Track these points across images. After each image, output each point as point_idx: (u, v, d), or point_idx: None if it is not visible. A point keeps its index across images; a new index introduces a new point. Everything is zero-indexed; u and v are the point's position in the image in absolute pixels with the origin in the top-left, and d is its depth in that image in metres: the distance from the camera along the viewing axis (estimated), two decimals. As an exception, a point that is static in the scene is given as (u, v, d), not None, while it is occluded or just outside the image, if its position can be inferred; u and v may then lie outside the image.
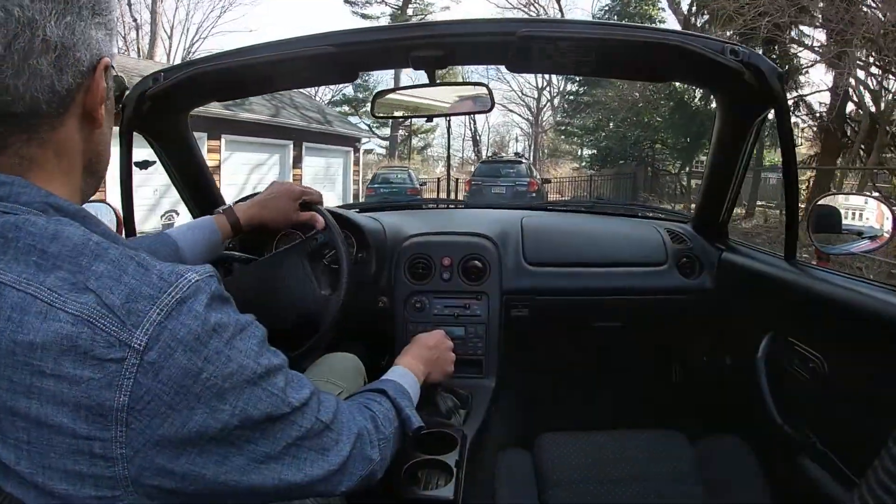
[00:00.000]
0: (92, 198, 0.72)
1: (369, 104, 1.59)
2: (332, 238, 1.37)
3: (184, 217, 1.77)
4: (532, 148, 34.38)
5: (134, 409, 0.50)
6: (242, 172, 13.34)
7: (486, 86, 1.52)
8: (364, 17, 27.84)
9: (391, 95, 1.51)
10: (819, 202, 1.39)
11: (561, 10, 25.50)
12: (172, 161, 1.56)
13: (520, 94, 33.38)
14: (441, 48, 1.22)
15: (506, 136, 36.71)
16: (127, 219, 1.52)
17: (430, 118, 1.72)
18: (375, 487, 1.37)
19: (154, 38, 22.78)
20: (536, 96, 33.32)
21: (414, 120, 28.47)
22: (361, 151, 17.99)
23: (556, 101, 32.23)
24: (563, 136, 30.08)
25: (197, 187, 1.67)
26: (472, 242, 1.74)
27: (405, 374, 1.10)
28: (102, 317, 0.50)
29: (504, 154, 22.98)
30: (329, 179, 16.61)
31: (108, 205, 1.55)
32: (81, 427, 0.49)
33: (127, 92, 0.77)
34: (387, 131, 29.60)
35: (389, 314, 1.72)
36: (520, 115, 35.57)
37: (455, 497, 1.17)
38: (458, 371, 1.65)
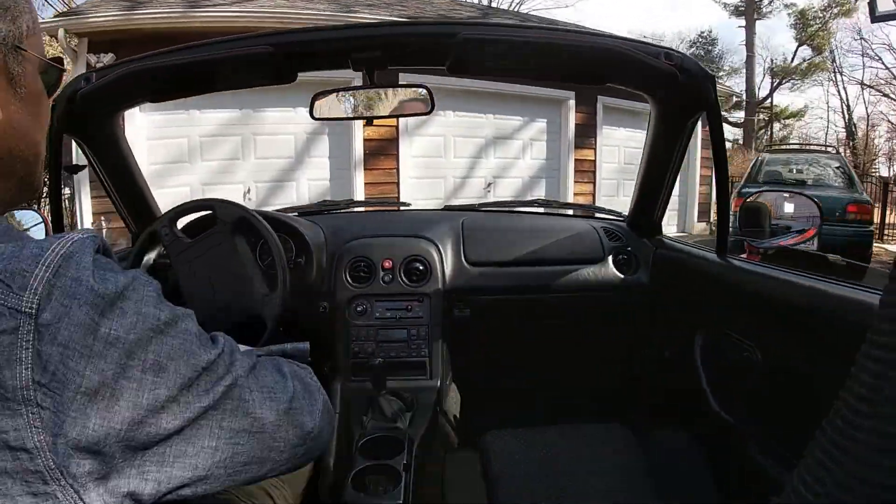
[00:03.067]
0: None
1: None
2: (267, 240, 1.35)
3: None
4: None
5: (40, 383, 0.45)
6: (456, 152, 7.28)
7: (426, 87, 1.52)
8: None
9: (331, 97, 1.49)
10: (748, 200, 1.47)
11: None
12: (104, 165, 1.48)
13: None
14: (381, 49, 1.22)
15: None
16: (56, 226, 1.44)
17: (369, 120, 1.70)
18: (323, 496, 1.35)
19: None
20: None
21: (774, 99, 22.22)
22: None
23: None
24: None
25: (130, 193, 1.60)
26: (413, 244, 1.74)
27: None
28: None
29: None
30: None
31: (36, 211, 1.47)
32: None
33: (63, 76, 0.70)
34: (740, 114, 20.33)
35: (331, 319, 1.69)
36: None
37: (404, 501, 1.16)
38: (402, 374, 1.65)
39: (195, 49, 1.21)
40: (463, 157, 7.34)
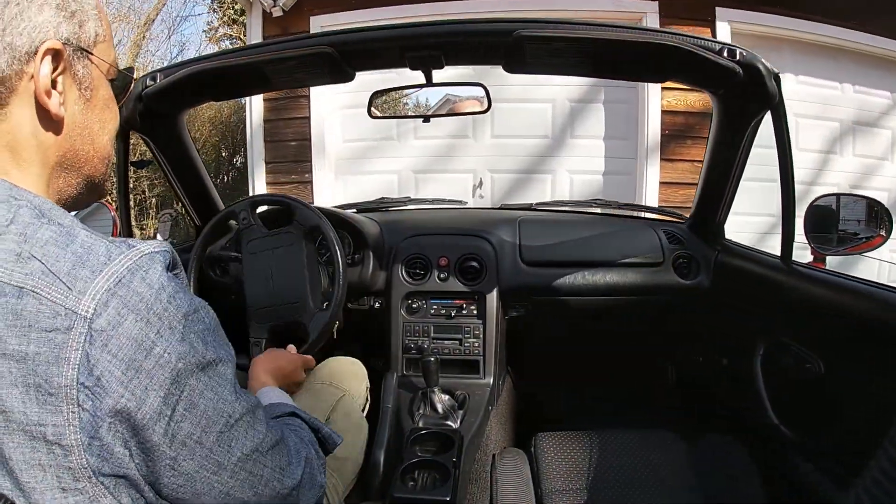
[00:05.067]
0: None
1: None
2: (328, 240, 1.39)
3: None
4: None
5: (84, 385, 0.47)
6: (799, 141, 4.12)
7: (483, 85, 1.52)
8: None
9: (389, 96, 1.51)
10: (816, 202, 1.39)
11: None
12: (169, 161, 1.56)
13: None
14: (438, 49, 1.22)
15: None
16: (124, 219, 1.52)
17: (427, 119, 1.72)
18: (372, 488, 1.38)
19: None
20: None
21: None
22: None
23: None
24: None
25: (194, 189, 1.67)
26: (469, 242, 1.74)
27: (282, 395, 0.99)
28: (47, 285, 0.47)
29: None
30: None
31: (105, 205, 1.54)
32: (32, 410, 0.47)
33: (132, 85, 0.72)
34: None
35: (385, 315, 1.72)
36: None
37: (452, 498, 1.17)
38: (455, 371, 1.65)
39: (257, 49, 1.25)
40: (809, 149, 4.28)
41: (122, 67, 0.67)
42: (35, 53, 0.55)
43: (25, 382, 0.46)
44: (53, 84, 0.56)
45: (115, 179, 1.45)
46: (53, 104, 0.57)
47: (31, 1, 0.55)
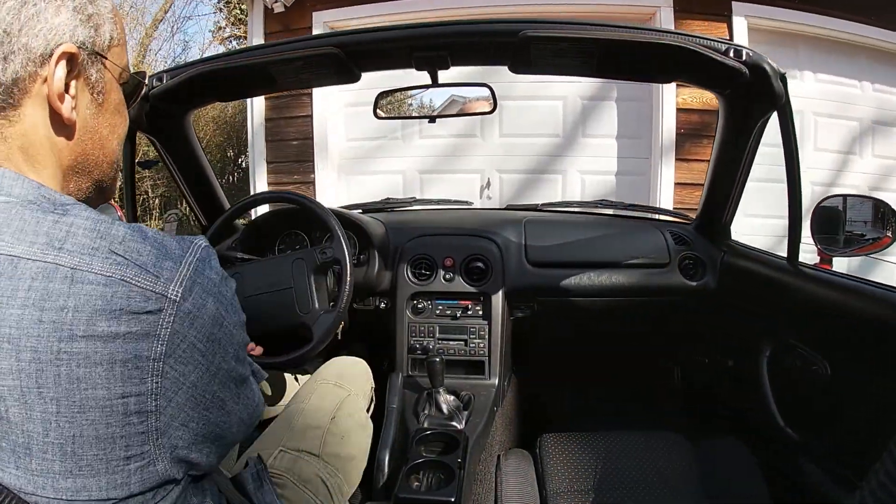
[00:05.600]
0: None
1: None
2: (336, 248, 1.38)
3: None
4: None
5: (171, 356, 0.52)
6: (818, 142, 4.15)
7: (489, 86, 1.52)
8: None
9: (394, 97, 1.51)
10: (822, 203, 1.39)
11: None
12: (175, 161, 1.56)
13: None
14: (444, 49, 1.22)
15: None
16: (131, 219, 1.53)
17: (432, 120, 1.72)
18: (377, 488, 1.38)
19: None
20: None
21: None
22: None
23: None
24: None
25: (200, 189, 1.68)
26: (475, 243, 1.74)
27: None
28: (136, 275, 0.51)
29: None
30: None
31: (111, 205, 1.55)
32: (116, 386, 0.49)
33: (145, 89, 0.73)
34: None
35: (391, 315, 1.72)
36: None
37: (456, 499, 1.16)
38: (461, 372, 1.65)
39: (262, 50, 1.26)
40: (827, 149, 4.19)
41: (132, 71, 0.67)
42: (50, 56, 0.55)
43: (112, 359, 0.49)
44: (66, 88, 0.56)
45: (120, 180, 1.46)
46: (66, 108, 0.57)
47: (48, 2, 0.54)
